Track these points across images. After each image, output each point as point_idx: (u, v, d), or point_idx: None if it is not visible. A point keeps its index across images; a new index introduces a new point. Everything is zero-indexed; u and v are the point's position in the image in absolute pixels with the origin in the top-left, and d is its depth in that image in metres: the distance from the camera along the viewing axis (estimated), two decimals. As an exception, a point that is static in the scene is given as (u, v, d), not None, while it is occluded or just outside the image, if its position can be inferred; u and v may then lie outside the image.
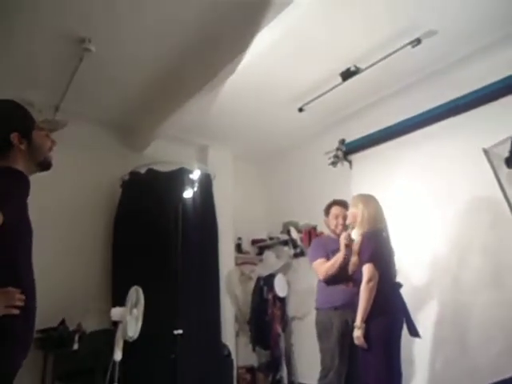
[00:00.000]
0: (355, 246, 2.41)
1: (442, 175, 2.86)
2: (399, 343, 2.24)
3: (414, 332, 2.28)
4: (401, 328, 2.28)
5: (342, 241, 2.56)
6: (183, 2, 2.43)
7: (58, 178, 3.46)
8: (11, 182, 1.21)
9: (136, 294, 2.70)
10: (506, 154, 1.72)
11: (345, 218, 2.69)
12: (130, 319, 2.59)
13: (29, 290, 1.22)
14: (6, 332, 1.14)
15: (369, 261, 2.26)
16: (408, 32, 2.70)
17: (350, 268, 2.46)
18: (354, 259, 2.42)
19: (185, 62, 3.01)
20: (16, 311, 1.14)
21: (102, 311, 3.04)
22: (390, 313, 2.25)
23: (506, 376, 2.26)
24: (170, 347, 2.08)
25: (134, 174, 3.55)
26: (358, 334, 2.21)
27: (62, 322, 3.08)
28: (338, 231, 2.76)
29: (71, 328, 3.07)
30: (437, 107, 3.00)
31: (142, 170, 3.55)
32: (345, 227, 2.65)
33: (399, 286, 2.37)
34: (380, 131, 3.44)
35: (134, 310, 2.65)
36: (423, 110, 3.12)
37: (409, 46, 2.74)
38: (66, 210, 3.36)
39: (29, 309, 1.20)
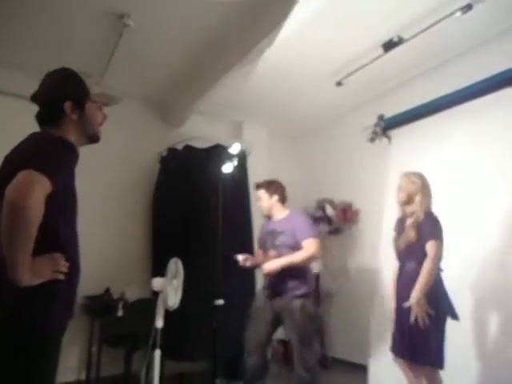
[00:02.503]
0: (413, 223, 2.34)
1: (494, 152, 2.71)
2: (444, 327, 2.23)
3: (454, 315, 2.26)
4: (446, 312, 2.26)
5: None
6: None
7: (102, 152, 3.61)
8: (62, 152, 1.22)
9: (175, 265, 2.80)
10: None
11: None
12: (170, 289, 2.70)
13: (72, 256, 1.27)
14: (53, 294, 1.20)
15: (436, 238, 2.23)
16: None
17: (403, 243, 2.38)
18: (410, 235, 2.34)
19: (222, 36, 2.98)
20: (62, 276, 1.20)
21: (144, 281, 3.19)
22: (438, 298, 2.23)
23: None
24: (210, 317, 2.16)
25: (171, 150, 3.62)
26: (419, 307, 2.17)
27: (107, 290, 3.26)
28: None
29: (115, 296, 3.25)
30: (491, 77, 2.81)
31: (180, 147, 3.61)
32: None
33: (440, 270, 2.34)
34: (422, 106, 3.29)
35: (174, 281, 2.75)
36: (470, 82, 2.95)
37: (458, 13, 2.57)
38: (109, 184, 3.50)
39: (72, 274, 1.26)
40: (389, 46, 2.95)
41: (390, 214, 3.44)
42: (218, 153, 3.43)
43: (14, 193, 1.05)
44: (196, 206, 3.20)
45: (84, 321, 3.15)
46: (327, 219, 3.94)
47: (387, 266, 3.36)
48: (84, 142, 1.39)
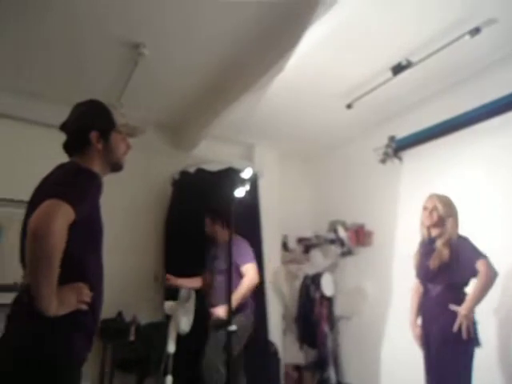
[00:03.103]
0: (446, 242, 2.35)
1: (504, 172, 2.70)
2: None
3: (476, 341, 2.24)
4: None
5: None
6: (234, 3, 2.47)
7: (115, 177, 3.70)
8: (86, 181, 1.26)
9: (188, 291, 2.81)
10: None
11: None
12: (183, 313, 2.69)
13: (96, 286, 1.28)
14: (76, 324, 1.20)
15: (483, 257, 2.23)
16: (465, 22, 2.56)
17: (435, 264, 2.36)
18: (444, 254, 2.34)
19: (234, 61, 3.06)
20: (85, 306, 1.21)
21: (157, 304, 3.19)
22: None
23: None
24: (225, 343, 2.14)
25: (184, 173, 3.67)
26: (467, 319, 2.17)
27: (119, 314, 3.26)
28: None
29: (127, 319, 3.24)
30: (500, 99, 2.82)
31: (192, 169, 3.66)
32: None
33: None
34: (433, 127, 3.29)
35: (186, 305, 2.75)
36: (480, 103, 2.96)
37: (467, 36, 2.60)
38: (123, 208, 3.54)
39: (95, 305, 1.27)
40: (398, 69, 2.99)
41: (401, 235, 3.44)
42: (229, 175, 3.47)
43: (37, 221, 1.07)
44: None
45: (97, 345, 3.14)
46: (339, 241, 3.92)
47: (399, 288, 3.32)
48: (108, 170, 1.45)
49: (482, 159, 2.93)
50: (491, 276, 2.20)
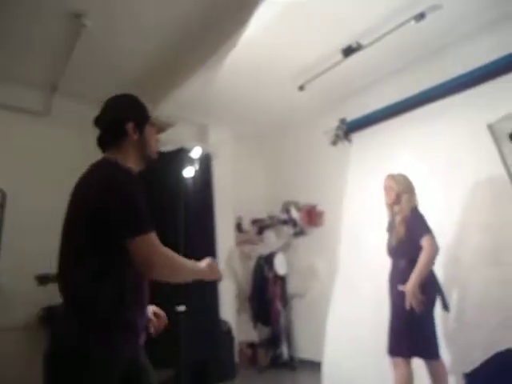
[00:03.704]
0: (402, 220, 2.47)
1: (445, 153, 2.84)
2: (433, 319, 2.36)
3: (446, 306, 2.40)
4: (434, 304, 2.38)
5: None
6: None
7: (57, 156, 3.49)
8: (140, 193, 1.27)
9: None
10: (510, 130, 1.70)
11: None
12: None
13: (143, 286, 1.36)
14: (124, 325, 1.23)
15: (428, 232, 2.33)
16: (411, 6, 2.63)
17: (394, 241, 2.50)
18: (400, 231, 2.46)
19: (185, 37, 2.95)
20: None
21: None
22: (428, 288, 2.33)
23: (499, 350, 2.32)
24: (172, 324, 2.12)
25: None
26: (413, 296, 2.27)
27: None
28: None
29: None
30: (440, 85, 2.95)
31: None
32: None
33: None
34: (381, 110, 3.40)
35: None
36: (426, 87, 3.08)
37: (412, 21, 2.68)
38: (60, 190, 3.34)
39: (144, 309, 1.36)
40: (348, 51, 3.02)
41: (350, 214, 3.56)
42: (182, 156, 3.39)
43: (146, 260, 1.20)
44: (159, 211, 3.13)
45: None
46: (292, 221, 3.99)
47: (346, 266, 3.46)
48: (141, 164, 1.44)
49: (422, 143, 3.06)
50: (432, 252, 2.31)
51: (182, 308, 1.98)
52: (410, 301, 2.26)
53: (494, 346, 2.40)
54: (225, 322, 3.71)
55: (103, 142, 1.41)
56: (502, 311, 2.50)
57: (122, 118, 1.39)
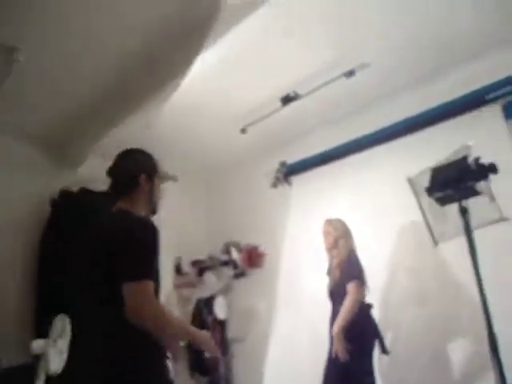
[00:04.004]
0: (338, 264, 2.55)
1: (374, 201, 3.03)
2: (371, 363, 2.39)
3: (384, 350, 2.42)
4: (372, 348, 2.42)
5: None
6: (125, 21, 2.37)
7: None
8: (155, 241, 1.51)
9: (62, 323, 2.51)
10: (427, 184, 1.86)
11: None
12: (54, 352, 2.39)
13: None
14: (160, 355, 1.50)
15: (356, 278, 2.40)
16: (343, 63, 2.85)
17: (332, 285, 2.60)
18: (336, 275, 2.55)
19: (126, 77, 2.91)
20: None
21: (25, 344, 2.77)
22: (361, 335, 2.36)
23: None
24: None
25: (65, 193, 3.33)
26: (337, 345, 2.29)
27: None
28: None
29: (-14, 364, 2.76)
30: (367, 135, 3.20)
31: (75, 189, 3.35)
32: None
33: (370, 307, 2.47)
34: (318, 155, 3.57)
35: (59, 342, 2.45)
36: (357, 136, 3.30)
37: (343, 77, 2.89)
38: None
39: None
40: (286, 100, 3.17)
41: (289, 257, 3.60)
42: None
43: (138, 308, 1.34)
44: (91, 255, 2.92)
45: None
46: (232, 263, 3.94)
47: (286, 309, 3.46)
48: (149, 210, 1.68)
49: (354, 190, 3.25)
50: (355, 298, 2.37)
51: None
52: (336, 347, 2.27)
53: (425, 382, 2.48)
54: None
55: (116, 191, 1.63)
56: (429, 349, 2.63)
57: (137, 171, 1.60)
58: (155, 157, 1.73)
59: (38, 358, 2.41)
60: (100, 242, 1.54)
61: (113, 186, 1.63)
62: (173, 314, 1.47)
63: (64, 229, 3.17)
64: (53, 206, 3.35)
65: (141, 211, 1.58)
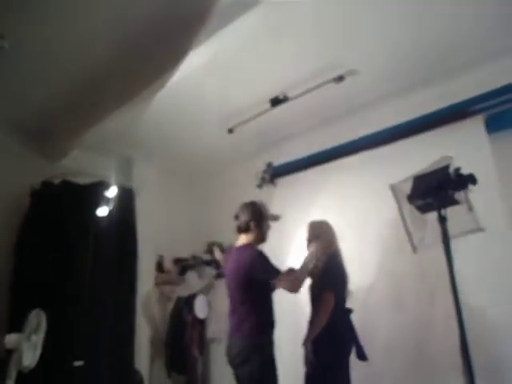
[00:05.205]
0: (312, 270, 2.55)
1: (357, 205, 3.06)
2: (347, 368, 2.38)
3: (362, 356, 2.39)
4: (349, 353, 2.39)
5: None
6: (114, 14, 2.35)
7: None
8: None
9: (37, 318, 2.45)
10: (408, 192, 1.89)
11: None
12: (28, 347, 2.34)
13: None
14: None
15: (328, 288, 2.41)
16: (332, 68, 2.87)
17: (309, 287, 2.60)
18: (311, 279, 2.58)
19: (112, 71, 2.88)
20: None
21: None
22: (339, 340, 2.36)
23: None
24: (67, 382, 1.89)
25: (46, 184, 3.27)
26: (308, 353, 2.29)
27: None
28: None
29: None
30: (351, 142, 3.24)
31: (57, 181, 3.29)
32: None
33: (349, 311, 2.48)
34: (304, 158, 3.59)
35: (34, 337, 2.40)
36: (344, 141, 3.33)
37: (332, 82, 2.92)
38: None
39: None
40: (276, 102, 3.18)
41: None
42: (101, 190, 3.22)
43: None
44: (69, 249, 2.88)
45: None
46: (215, 263, 3.92)
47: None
48: (260, 242, 2.58)
49: (338, 193, 3.28)
50: (325, 310, 2.38)
51: (79, 363, 1.78)
52: (306, 359, 2.28)
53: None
54: (136, 372, 3.44)
55: (241, 230, 2.59)
56: (403, 354, 2.67)
57: (249, 219, 2.55)
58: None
59: (10, 353, 2.36)
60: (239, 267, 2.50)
61: (239, 226, 2.62)
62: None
63: (41, 221, 3.11)
64: (32, 196, 3.29)
65: (256, 243, 2.54)
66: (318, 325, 2.34)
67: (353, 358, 2.48)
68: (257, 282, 2.35)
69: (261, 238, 2.54)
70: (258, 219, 2.50)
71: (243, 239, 2.53)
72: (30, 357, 2.34)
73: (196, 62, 2.64)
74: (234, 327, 2.40)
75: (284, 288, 2.32)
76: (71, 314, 2.42)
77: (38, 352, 2.38)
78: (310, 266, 2.44)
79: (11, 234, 3.19)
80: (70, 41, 2.58)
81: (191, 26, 2.41)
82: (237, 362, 2.31)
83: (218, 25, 2.32)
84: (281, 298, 2.57)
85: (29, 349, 2.34)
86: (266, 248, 2.73)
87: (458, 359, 1.82)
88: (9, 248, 3.16)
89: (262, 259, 2.37)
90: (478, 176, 1.78)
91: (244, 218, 2.53)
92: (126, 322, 3.04)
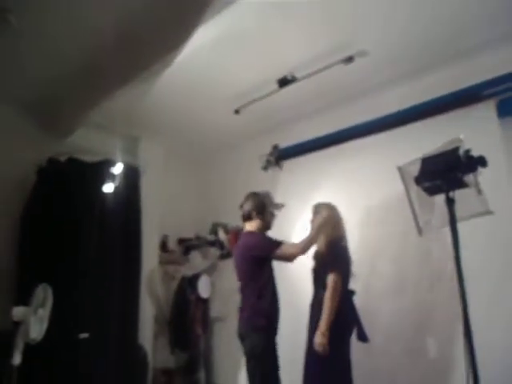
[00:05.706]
0: (316, 252, 2.60)
1: (362, 188, 3.04)
2: (349, 349, 2.39)
3: (363, 337, 2.41)
4: (350, 334, 2.41)
5: None
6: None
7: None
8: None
9: (43, 292, 2.49)
10: (416, 173, 1.86)
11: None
12: (34, 320, 2.38)
13: None
14: None
15: (335, 270, 2.37)
16: (342, 49, 2.82)
17: (313, 270, 2.63)
18: (315, 262, 2.61)
19: (119, 49, 2.83)
20: None
21: (5, 311, 2.76)
22: (341, 319, 2.35)
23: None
24: (72, 353, 1.93)
25: (52, 161, 3.27)
26: (323, 341, 2.27)
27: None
28: None
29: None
30: (361, 124, 3.20)
31: (63, 158, 3.29)
32: None
33: (352, 293, 2.49)
34: (310, 141, 3.55)
35: (40, 310, 2.44)
36: (352, 124, 3.29)
37: (341, 63, 2.86)
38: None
39: None
40: (283, 82, 3.13)
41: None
42: (107, 168, 3.22)
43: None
44: (75, 225, 2.90)
45: None
46: (219, 243, 3.95)
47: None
48: (262, 231, 2.66)
49: (344, 176, 3.26)
50: (333, 293, 2.35)
51: (84, 335, 1.81)
52: (320, 343, 2.29)
53: (397, 373, 2.54)
54: (140, 348, 3.50)
55: (244, 218, 2.69)
56: (403, 339, 2.68)
57: (251, 208, 2.66)
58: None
59: (17, 325, 2.40)
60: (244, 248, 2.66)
61: (243, 216, 2.71)
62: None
63: (47, 198, 3.12)
64: (38, 173, 3.29)
65: (258, 230, 2.64)
66: (331, 311, 2.33)
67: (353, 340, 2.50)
68: (262, 259, 2.46)
69: (265, 226, 2.65)
70: (259, 209, 2.62)
71: (248, 226, 2.66)
72: (36, 330, 2.39)
73: (203, 40, 2.60)
74: (243, 306, 2.54)
75: (287, 252, 2.42)
76: (77, 289, 2.46)
77: (45, 325, 2.42)
78: (315, 236, 2.45)
79: (18, 210, 3.22)
80: (76, 18, 2.54)
81: (199, 1, 2.36)
82: (243, 336, 2.48)
83: (225, 2, 2.28)
84: (282, 289, 2.60)
85: (35, 322, 2.39)
86: (271, 233, 2.76)
87: (459, 344, 1.82)
88: (17, 224, 3.19)
89: (264, 236, 2.59)
90: (487, 160, 1.76)
91: (247, 207, 2.66)
92: (130, 297, 3.08)
